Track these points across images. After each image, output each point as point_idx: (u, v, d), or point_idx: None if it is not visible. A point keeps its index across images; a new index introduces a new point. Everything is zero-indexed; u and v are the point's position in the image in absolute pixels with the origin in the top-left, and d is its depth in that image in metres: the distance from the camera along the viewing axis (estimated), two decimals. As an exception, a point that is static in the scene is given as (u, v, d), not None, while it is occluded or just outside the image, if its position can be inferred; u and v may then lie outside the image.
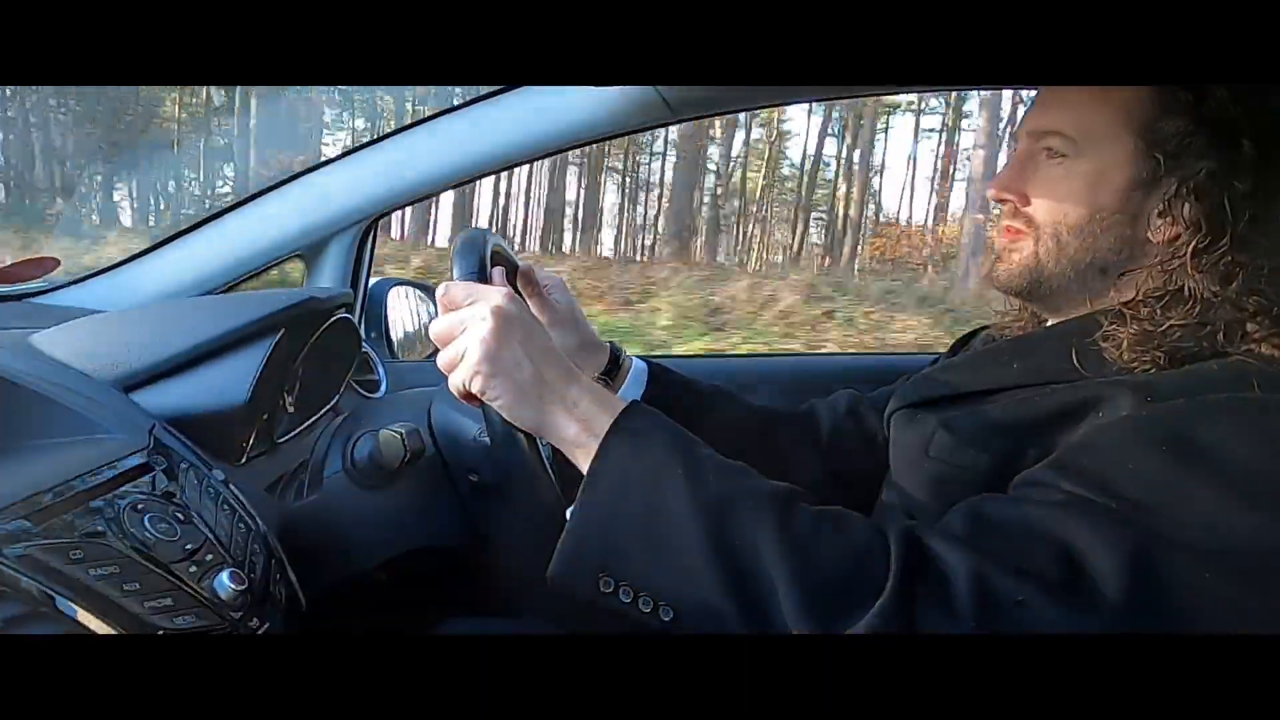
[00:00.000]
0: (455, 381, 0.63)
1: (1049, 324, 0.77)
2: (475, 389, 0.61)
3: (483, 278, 0.68)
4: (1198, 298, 0.65)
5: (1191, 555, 0.54)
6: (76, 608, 0.56)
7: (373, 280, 1.36)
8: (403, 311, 1.45)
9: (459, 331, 0.62)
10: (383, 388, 1.29)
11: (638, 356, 0.94)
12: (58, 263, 1.11)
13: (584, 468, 0.60)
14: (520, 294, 0.84)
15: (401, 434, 1.06)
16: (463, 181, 1.22)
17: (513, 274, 0.83)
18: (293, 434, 1.00)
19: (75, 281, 1.20)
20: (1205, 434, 0.56)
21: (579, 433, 0.61)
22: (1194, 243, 0.66)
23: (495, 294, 0.63)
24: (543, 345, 0.62)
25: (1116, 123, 0.69)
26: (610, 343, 0.91)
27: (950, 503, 0.69)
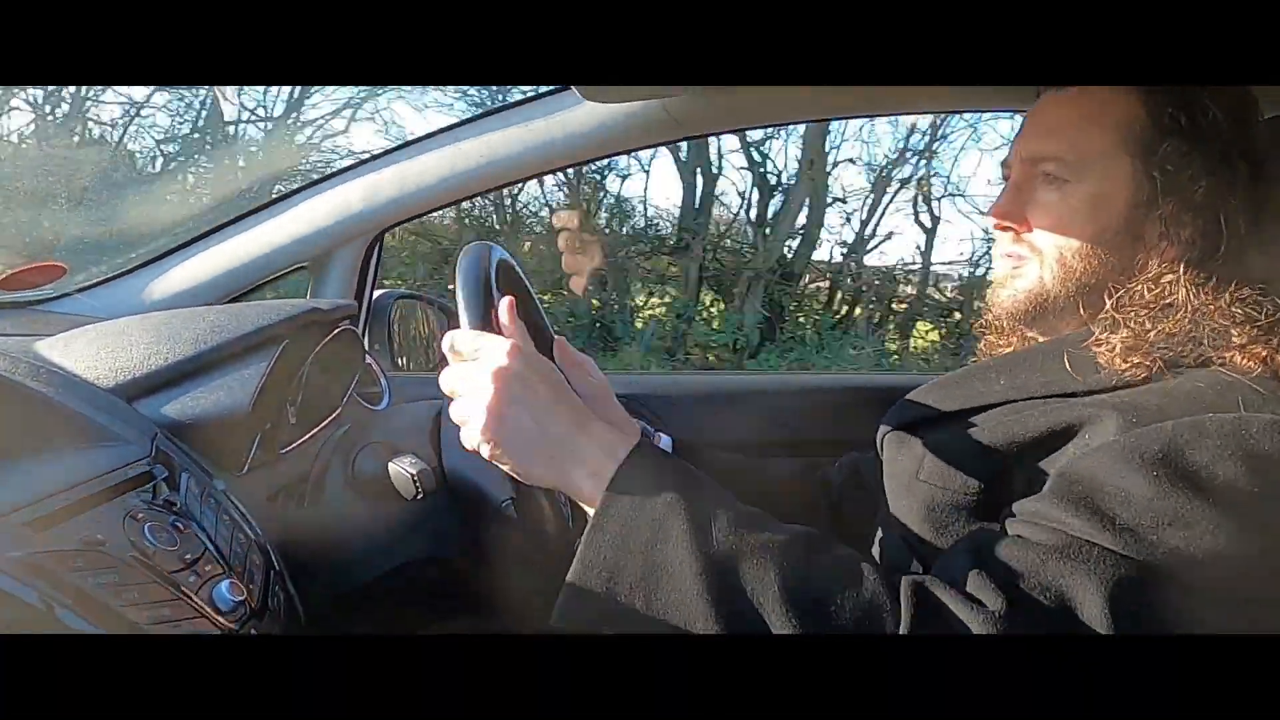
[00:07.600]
0: (465, 442, 0.63)
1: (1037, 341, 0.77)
2: (484, 454, 0.62)
3: (488, 307, 0.67)
4: (1189, 309, 0.66)
5: (1186, 581, 0.54)
6: (75, 616, 0.56)
7: (377, 292, 1.36)
8: (407, 324, 1.45)
9: (465, 389, 0.62)
10: (386, 400, 1.29)
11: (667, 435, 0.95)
12: (64, 270, 1.12)
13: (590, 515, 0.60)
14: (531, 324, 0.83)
15: (413, 474, 1.05)
16: (469, 195, 1.22)
17: (524, 301, 0.81)
18: (295, 445, 1.00)
19: (81, 289, 1.20)
20: (1193, 457, 0.57)
21: (588, 481, 0.61)
22: (1188, 257, 0.67)
23: (498, 351, 0.62)
24: (547, 401, 0.62)
25: (1114, 144, 0.70)
26: (640, 422, 0.91)
27: (943, 526, 0.69)
